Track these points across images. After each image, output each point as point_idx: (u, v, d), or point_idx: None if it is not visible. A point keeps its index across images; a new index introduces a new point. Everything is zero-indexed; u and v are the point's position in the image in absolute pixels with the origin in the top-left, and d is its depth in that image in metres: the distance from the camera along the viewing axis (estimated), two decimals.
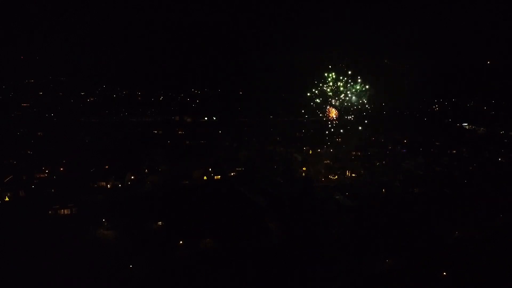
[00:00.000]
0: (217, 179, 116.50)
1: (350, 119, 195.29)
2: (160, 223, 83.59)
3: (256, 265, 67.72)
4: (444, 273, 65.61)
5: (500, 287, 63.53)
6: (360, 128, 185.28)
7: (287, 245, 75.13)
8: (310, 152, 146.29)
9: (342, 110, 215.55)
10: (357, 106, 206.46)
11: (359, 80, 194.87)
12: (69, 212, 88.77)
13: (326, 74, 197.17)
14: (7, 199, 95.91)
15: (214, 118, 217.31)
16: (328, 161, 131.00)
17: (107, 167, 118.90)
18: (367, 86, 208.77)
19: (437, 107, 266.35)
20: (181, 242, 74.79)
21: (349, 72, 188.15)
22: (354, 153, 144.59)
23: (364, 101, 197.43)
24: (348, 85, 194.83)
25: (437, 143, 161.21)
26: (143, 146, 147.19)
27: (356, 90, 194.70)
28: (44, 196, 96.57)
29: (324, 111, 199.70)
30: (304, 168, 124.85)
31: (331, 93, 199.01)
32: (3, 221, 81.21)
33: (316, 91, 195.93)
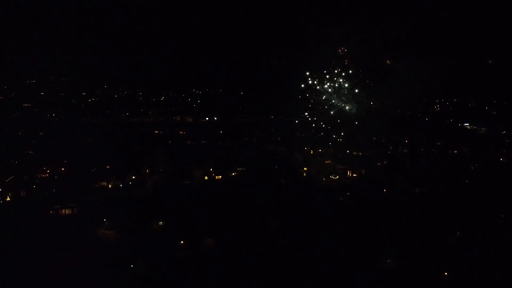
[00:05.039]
0: (218, 179, 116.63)
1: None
2: (161, 223, 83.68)
3: (257, 265, 67.73)
4: (446, 273, 65.52)
5: (501, 287, 63.38)
6: (361, 128, 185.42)
7: (288, 245, 75.09)
8: (311, 152, 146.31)
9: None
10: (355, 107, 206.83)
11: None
12: (70, 212, 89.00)
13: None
14: (8, 199, 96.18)
15: (215, 118, 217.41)
16: (329, 161, 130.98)
17: (108, 167, 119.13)
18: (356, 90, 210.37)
19: (438, 107, 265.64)
20: (182, 242, 74.84)
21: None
22: (355, 153, 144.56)
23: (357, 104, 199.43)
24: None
25: (438, 143, 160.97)
26: (144, 146, 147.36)
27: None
28: (45, 196, 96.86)
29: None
30: (305, 168, 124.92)
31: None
32: (4, 221, 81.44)
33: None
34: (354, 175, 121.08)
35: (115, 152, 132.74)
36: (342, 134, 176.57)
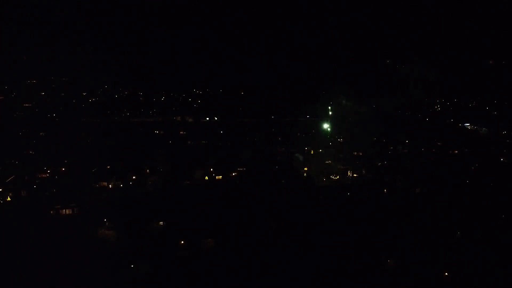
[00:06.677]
0: (219, 179, 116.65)
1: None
2: (161, 223, 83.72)
3: (257, 265, 67.76)
4: (446, 273, 65.54)
5: (501, 287, 63.38)
6: (361, 128, 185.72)
7: (288, 245, 75.09)
8: (311, 152, 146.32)
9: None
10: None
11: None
12: (70, 212, 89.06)
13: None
14: (9, 199, 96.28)
15: (216, 118, 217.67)
16: (329, 161, 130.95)
17: (108, 167, 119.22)
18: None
19: (438, 107, 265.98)
20: (182, 242, 74.87)
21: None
22: (355, 153, 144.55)
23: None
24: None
25: (438, 143, 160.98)
26: (144, 146, 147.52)
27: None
28: (46, 196, 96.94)
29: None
30: (305, 168, 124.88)
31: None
32: (5, 221, 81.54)
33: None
34: (354, 175, 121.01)
35: (115, 152, 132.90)
36: (342, 134, 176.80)
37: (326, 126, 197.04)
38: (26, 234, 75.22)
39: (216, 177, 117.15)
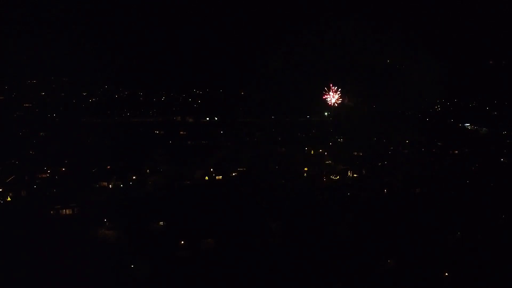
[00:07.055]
0: (219, 179, 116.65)
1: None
2: (161, 223, 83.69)
3: (257, 265, 67.74)
4: (446, 273, 65.50)
5: (501, 287, 63.34)
6: (361, 128, 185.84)
7: (288, 245, 75.10)
8: (312, 152, 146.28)
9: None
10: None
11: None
12: (70, 212, 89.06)
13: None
14: (9, 199, 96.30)
15: (216, 118, 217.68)
16: (329, 161, 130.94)
17: (108, 167, 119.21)
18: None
19: (439, 107, 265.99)
20: (182, 242, 74.86)
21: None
22: (356, 153, 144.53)
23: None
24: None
25: (439, 144, 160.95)
26: (144, 146, 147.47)
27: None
28: (46, 196, 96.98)
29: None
30: (305, 169, 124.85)
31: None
32: (5, 221, 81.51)
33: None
34: (354, 175, 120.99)
35: (115, 152, 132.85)
36: (342, 134, 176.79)
37: (326, 126, 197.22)
38: (26, 234, 75.17)
39: (216, 177, 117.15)
